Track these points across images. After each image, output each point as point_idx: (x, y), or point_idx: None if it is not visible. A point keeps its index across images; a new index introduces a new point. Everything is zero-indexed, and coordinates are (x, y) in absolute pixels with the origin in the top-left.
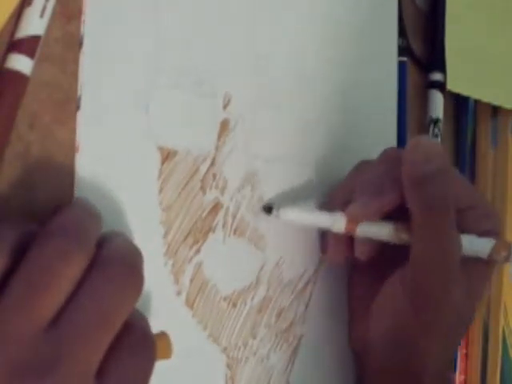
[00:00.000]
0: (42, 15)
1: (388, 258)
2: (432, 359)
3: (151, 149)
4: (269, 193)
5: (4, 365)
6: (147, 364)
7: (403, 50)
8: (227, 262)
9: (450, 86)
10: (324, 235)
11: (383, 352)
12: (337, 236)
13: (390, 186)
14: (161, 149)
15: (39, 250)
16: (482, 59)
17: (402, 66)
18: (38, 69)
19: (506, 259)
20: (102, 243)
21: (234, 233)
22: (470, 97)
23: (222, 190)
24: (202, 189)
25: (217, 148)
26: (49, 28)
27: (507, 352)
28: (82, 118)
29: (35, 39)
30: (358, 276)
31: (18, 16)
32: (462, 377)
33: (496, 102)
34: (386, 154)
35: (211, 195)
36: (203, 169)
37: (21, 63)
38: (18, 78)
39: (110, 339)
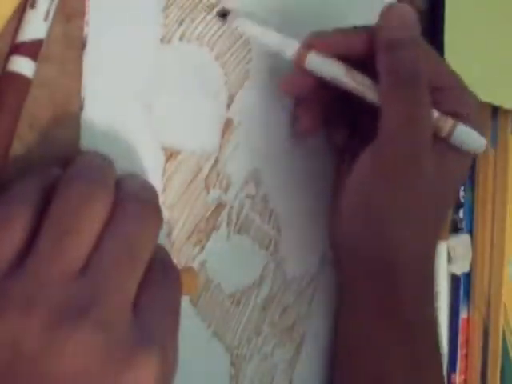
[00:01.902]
0: (45, 18)
1: (365, 138)
2: (405, 244)
3: (155, 148)
4: (273, 191)
5: (42, 312)
6: (174, 292)
7: None
8: (231, 261)
9: None
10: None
11: (356, 237)
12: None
13: (356, 31)
14: (165, 148)
15: (64, 196)
16: (482, 59)
17: None
18: (38, 69)
19: (447, 135)
20: (118, 184)
21: (238, 231)
22: None
23: (226, 189)
24: (206, 188)
25: (220, 147)
26: (49, 28)
27: (507, 352)
28: (85, 118)
29: (38, 42)
30: (337, 163)
31: (20, 18)
32: (462, 377)
33: (496, 102)
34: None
35: (215, 194)
36: (206, 168)
37: (24, 66)
38: (21, 80)
39: (140, 272)
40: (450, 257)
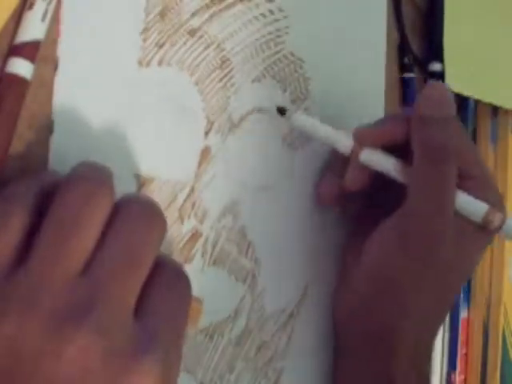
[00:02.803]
0: (43, 19)
1: (381, 208)
2: (412, 318)
3: (127, 176)
4: (251, 223)
5: (42, 314)
6: (183, 298)
7: (409, 64)
8: (205, 294)
9: (449, 86)
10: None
11: (366, 304)
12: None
13: (399, 119)
14: (138, 176)
15: (65, 197)
16: (482, 59)
17: (410, 82)
18: (37, 69)
19: (497, 229)
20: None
21: (214, 263)
22: (469, 97)
23: (202, 220)
24: (180, 218)
25: (196, 176)
26: (47, 29)
27: (507, 352)
28: (54, 142)
29: (36, 43)
30: (351, 230)
31: (18, 19)
32: (462, 376)
33: (496, 102)
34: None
35: (189, 224)
36: (181, 197)
37: (22, 67)
38: (19, 82)
39: (143, 276)
40: None
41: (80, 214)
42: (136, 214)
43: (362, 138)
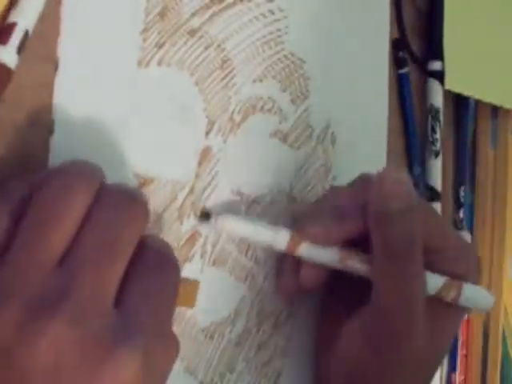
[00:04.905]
0: None
1: (357, 293)
2: None
3: (127, 175)
4: None
5: (15, 305)
6: (168, 283)
7: (404, 59)
8: (205, 293)
9: (449, 86)
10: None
11: None
12: (290, 261)
13: (354, 214)
14: (137, 175)
15: (41, 191)
16: (482, 58)
17: (404, 78)
18: (38, 69)
19: (455, 300)
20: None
21: (214, 263)
22: (470, 97)
23: None
24: (180, 218)
25: (197, 176)
26: (48, 29)
27: (507, 352)
28: (54, 141)
29: (11, 25)
30: (326, 310)
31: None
32: (462, 377)
33: (496, 102)
34: (358, 180)
35: (189, 224)
36: (181, 197)
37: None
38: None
39: (123, 265)
40: None
41: (56, 206)
42: (114, 202)
43: (314, 238)
